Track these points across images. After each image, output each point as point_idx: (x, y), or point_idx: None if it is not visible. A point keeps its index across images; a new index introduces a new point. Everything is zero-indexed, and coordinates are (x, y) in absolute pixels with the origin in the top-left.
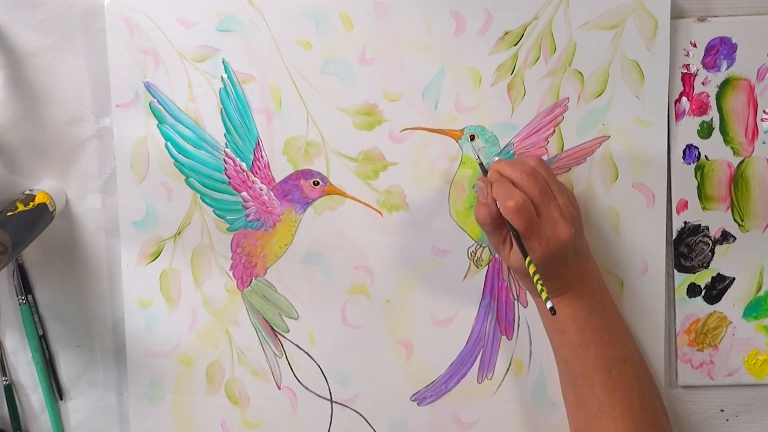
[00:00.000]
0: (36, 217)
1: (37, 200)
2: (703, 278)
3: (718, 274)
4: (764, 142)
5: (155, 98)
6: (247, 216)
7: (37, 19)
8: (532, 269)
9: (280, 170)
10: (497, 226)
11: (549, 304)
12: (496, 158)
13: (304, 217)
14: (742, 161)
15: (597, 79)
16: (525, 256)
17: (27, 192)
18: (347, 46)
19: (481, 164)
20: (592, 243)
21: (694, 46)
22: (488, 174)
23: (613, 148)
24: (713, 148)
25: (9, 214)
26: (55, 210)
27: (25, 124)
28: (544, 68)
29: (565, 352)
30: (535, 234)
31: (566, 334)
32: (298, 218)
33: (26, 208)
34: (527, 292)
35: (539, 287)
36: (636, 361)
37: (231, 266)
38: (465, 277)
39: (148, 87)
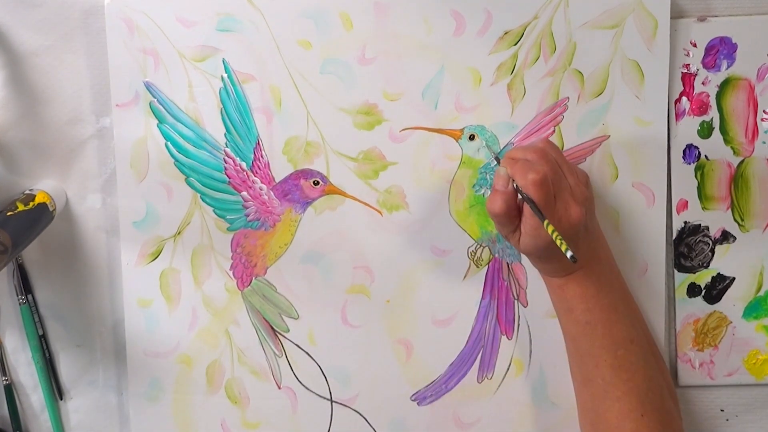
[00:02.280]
0: (36, 217)
1: (37, 200)
2: (703, 278)
3: (718, 273)
4: (764, 142)
5: (155, 98)
6: (247, 216)
7: (37, 19)
8: (550, 229)
9: (280, 170)
10: (510, 216)
11: (569, 253)
12: (496, 157)
13: (304, 217)
14: (742, 161)
15: (597, 78)
16: (543, 219)
17: (27, 192)
18: (347, 46)
19: (496, 157)
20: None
21: (694, 45)
22: (502, 160)
23: (613, 147)
24: (713, 148)
25: (9, 213)
26: (55, 210)
27: (25, 124)
28: (544, 68)
29: (572, 331)
30: (549, 213)
31: (574, 312)
32: (298, 218)
33: (26, 208)
34: (526, 289)
35: (558, 241)
36: (643, 342)
37: (231, 266)
38: (465, 276)
39: (148, 87)
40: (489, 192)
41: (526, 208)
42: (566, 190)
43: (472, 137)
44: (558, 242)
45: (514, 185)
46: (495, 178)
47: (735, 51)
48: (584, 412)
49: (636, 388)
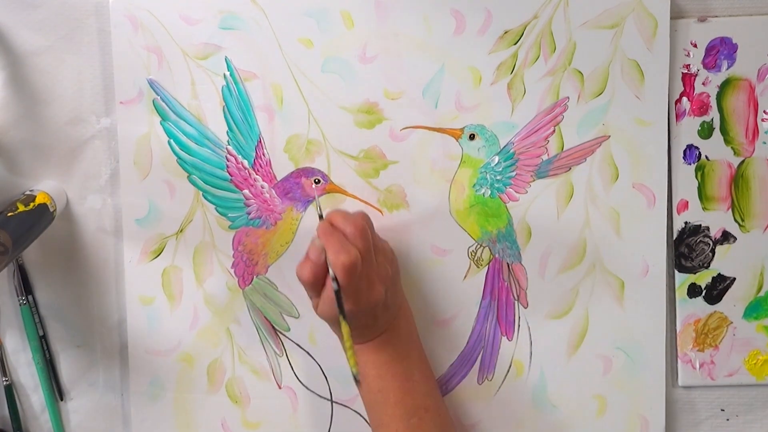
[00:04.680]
0: (36, 218)
1: (38, 201)
2: (703, 278)
3: (719, 274)
4: (765, 143)
5: (158, 95)
6: (249, 214)
7: (37, 19)
8: (345, 330)
9: (282, 168)
10: (317, 285)
11: (354, 371)
12: (324, 210)
13: (305, 216)
14: (743, 161)
15: (597, 78)
16: (343, 316)
17: (27, 192)
18: (348, 45)
19: (320, 215)
20: (593, 243)
21: (695, 46)
22: (320, 225)
23: (613, 148)
24: (714, 149)
25: (9, 214)
26: (55, 210)
27: (26, 125)
28: (544, 67)
29: (366, 398)
30: (351, 290)
31: (366, 379)
32: (299, 216)
33: (26, 209)
34: (527, 290)
35: (349, 355)
36: (440, 412)
37: (232, 264)
38: (465, 276)
39: (151, 84)
40: (489, 191)
41: (328, 279)
42: (373, 270)
43: (472, 136)
44: (348, 355)
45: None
46: (310, 246)
47: (735, 51)
48: None
49: None
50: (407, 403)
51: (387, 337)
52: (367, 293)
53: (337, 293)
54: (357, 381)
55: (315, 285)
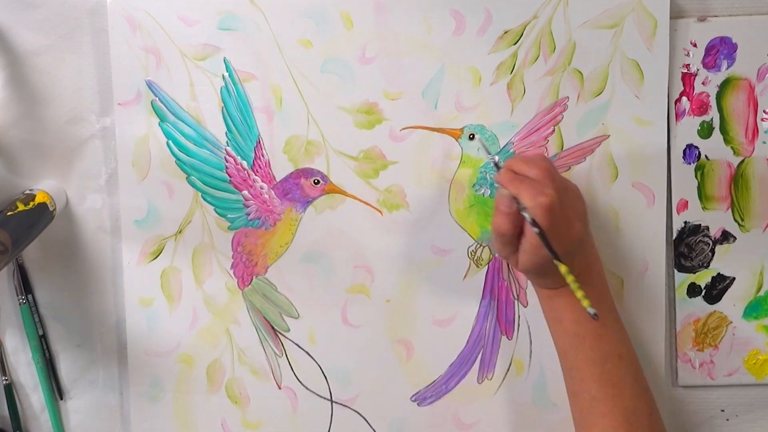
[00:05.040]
0: (36, 217)
1: (38, 200)
2: (703, 278)
3: (719, 273)
4: (764, 142)
5: (157, 96)
6: (248, 214)
7: (37, 19)
8: (564, 269)
9: (281, 169)
10: (514, 235)
11: (591, 310)
12: (497, 157)
13: (305, 216)
14: (743, 161)
15: (596, 78)
16: (555, 256)
17: (27, 192)
18: (347, 45)
19: (496, 164)
20: None
21: (695, 45)
22: (501, 175)
23: (612, 147)
24: (713, 148)
25: (9, 213)
26: (55, 210)
27: (26, 124)
28: (544, 67)
29: (560, 342)
30: (554, 232)
31: (563, 323)
32: (298, 217)
33: (26, 208)
34: (527, 289)
35: (578, 293)
36: (632, 359)
37: (232, 265)
38: (465, 276)
39: (149, 85)
40: (489, 191)
41: (527, 227)
42: (568, 207)
43: (472, 136)
44: (578, 294)
45: (518, 205)
46: (498, 198)
47: (735, 51)
48: (575, 424)
49: (623, 405)
50: (602, 348)
51: (582, 279)
52: (567, 232)
53: (542, 235)
54: (596, 316)
55: (513, 237)
